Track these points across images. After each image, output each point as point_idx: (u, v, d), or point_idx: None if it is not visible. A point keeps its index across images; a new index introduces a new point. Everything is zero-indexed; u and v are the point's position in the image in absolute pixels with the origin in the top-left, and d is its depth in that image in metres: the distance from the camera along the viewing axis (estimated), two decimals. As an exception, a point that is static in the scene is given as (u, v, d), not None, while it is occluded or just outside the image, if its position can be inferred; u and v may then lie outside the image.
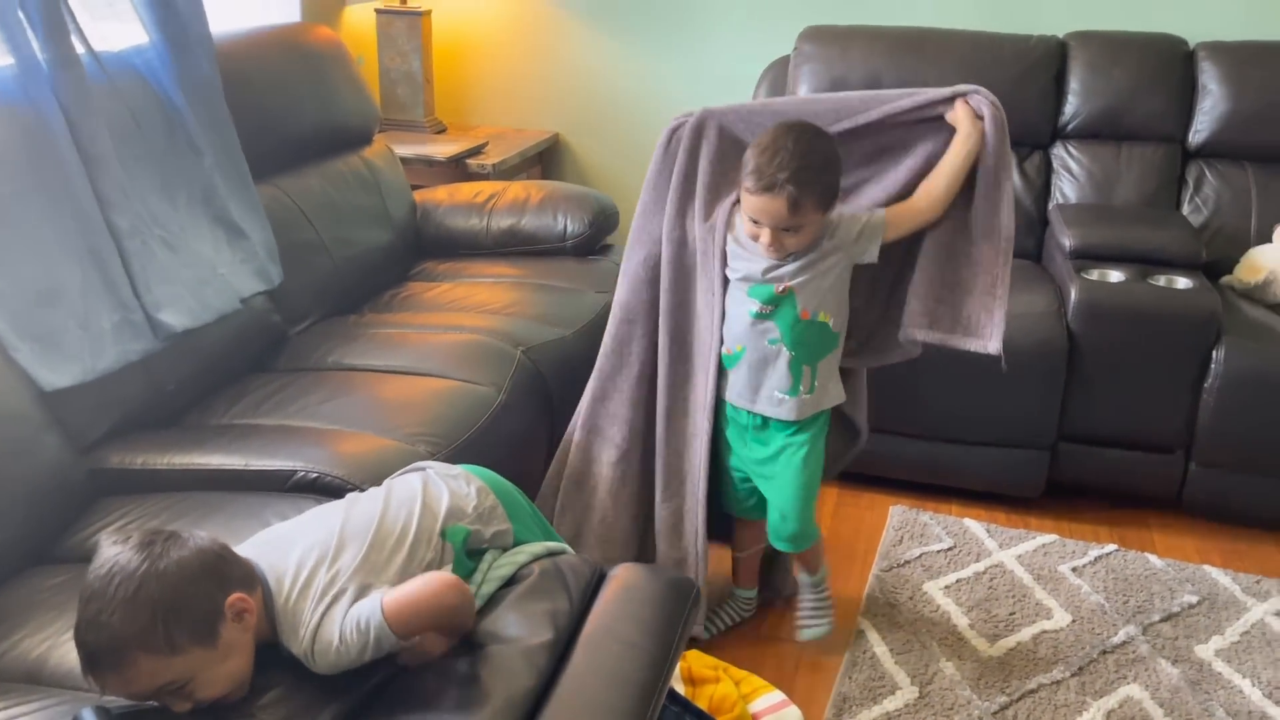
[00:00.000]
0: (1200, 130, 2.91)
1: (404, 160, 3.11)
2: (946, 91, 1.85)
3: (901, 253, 1.94)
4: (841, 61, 3.04)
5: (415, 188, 3.04)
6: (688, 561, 2.00)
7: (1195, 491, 2.54)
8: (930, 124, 1.88)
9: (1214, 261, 2.75)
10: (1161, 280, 2.49)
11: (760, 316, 1.88)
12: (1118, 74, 2.93)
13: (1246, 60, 2.87)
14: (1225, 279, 2.77)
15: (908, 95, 1.89)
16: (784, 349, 1.88)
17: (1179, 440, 2.50)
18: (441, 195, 2.99)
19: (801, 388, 1.90)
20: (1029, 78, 2.97)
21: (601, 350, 2.05)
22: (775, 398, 1.91)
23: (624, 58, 3.61)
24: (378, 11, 3.46)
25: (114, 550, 1.20)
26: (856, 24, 3.13)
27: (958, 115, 1.83)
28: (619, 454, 2.03)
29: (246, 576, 1.28)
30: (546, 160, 3.79)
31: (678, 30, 3.52)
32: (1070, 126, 2.99)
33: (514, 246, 2.86)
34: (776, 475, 1.95)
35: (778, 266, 1.85)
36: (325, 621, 1.27)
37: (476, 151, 3.38)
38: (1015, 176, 2.98)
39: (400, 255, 2.82)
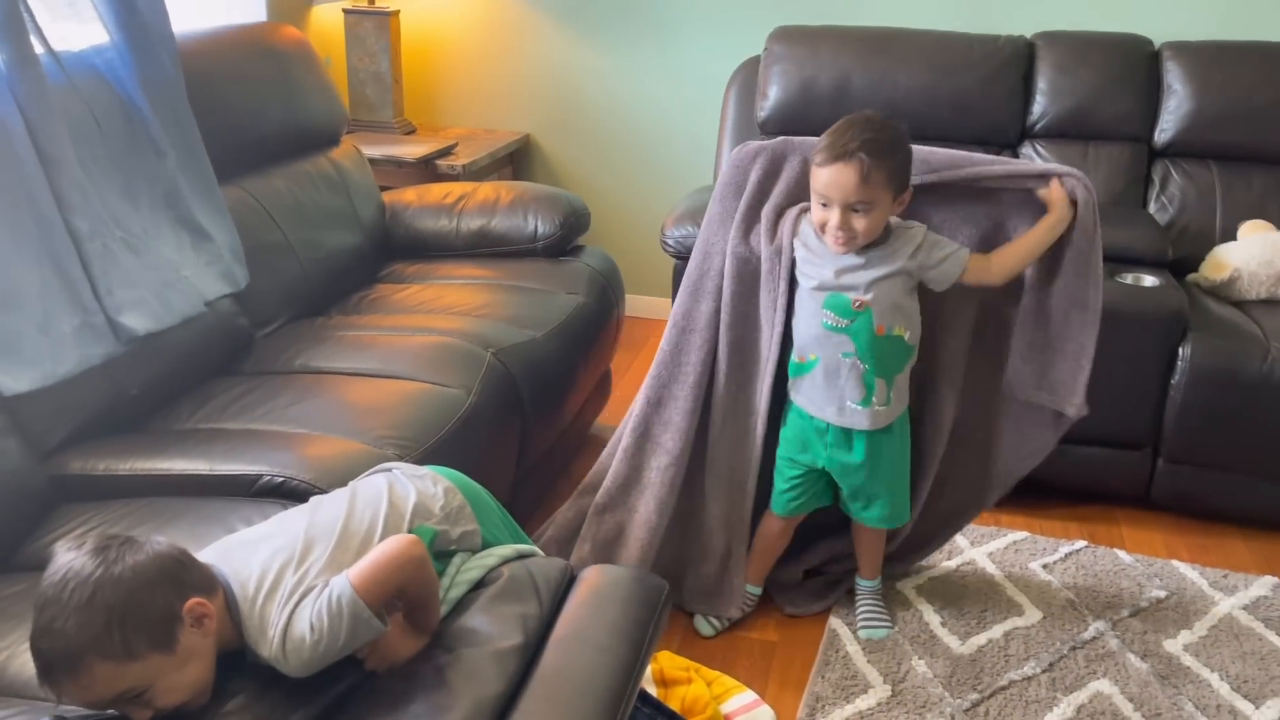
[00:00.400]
0: (1166, 130, 2.93)
1: (373, 161, 3.08)
2: (1040, 167, 1.90)
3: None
4: (811, 61, 3.04)
5: (384, 189, 3.02)
6: (734, 557, 2.10)
7: (1163, 487, 2.57)
8: (1017, 196, 1.92)
9: (1180, 259, 2.78)
10: (1129, 278, 2.51)
11: (835, 329, 1.91)
12: (1084, 74, 2.95)
13: (1211, 60, 2.90)
14: (1191, 276, 2.80)
15: (999, 163, 1.93)
16: (858, 362, 1.92)
17: (1147, 437, 2.52)
18: (410, 196, 2.97)
19: (875, 400, 1.95)
20: (997, 78, 2.98)
21: (658, 358, 2.08)
22: (848, 408, 1.96)
23: (595, 58, 3.60)
24: (345, 11, 3.43)
25: (69, 556, 1.17)
26: (826, 24, 3.13)
27: (1052, 196, 1.87)
28: (671, 459, 2.06)
29: (206, 581, 1.26)
30: (517, 161, 3.77)
31: (649, 31, 3.52)
32: (1039, 126, 3.01)
33: (484, 248, 2.85)
34: (867, 471, 2.01)
35: (851, 270, 1.87)
36: (295, 618, 1.25)
37: (446, 152, 3.36)
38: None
39: (369, 257, 2.80)
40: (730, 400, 2.06)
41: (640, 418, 2.09)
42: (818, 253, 1.91)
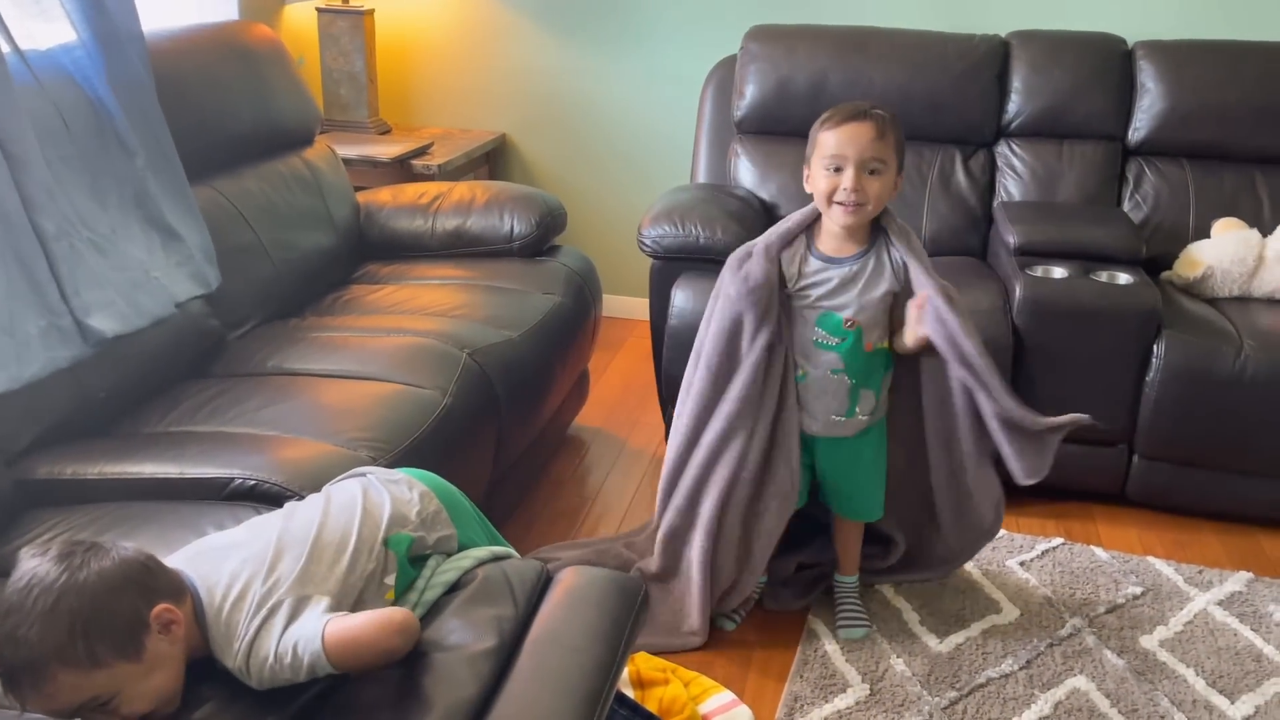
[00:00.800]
0: (1139, 128, 2.95)
1: (347, 161, 3.06)
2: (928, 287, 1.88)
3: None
4: (787, 61, 3.04)
5: (359, 189, 3.00)
6: (752, 558, 2.08)
7: (1138, 484, 2.58)
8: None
9: (1154, 257, 2.79)
10: (1103, 276, 2.52)
11: (825, 347, 1.93)
12: (1059, 73, 2.97)
13: (1183, 59, 2.91)
14: (1165, 274, 2.81)
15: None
16: (845, 378, 1.94)
17: (1122, 434, 2.53)
18: (385, 196, 2.95)
19: (858, 410, 1.98)
20: (972, 76, 2.99)
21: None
22: (833, 421, 1.98)
23: (571, 57, 3.59)
24: (319, 10, 3.40)
25: (33, 562, 1.15)
26: (802, 23, 3.13)
27: (914, 307, 1.89)
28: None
29: (174, 587, 1.23)
30: (494, 161, 3.75)
31: (625, 30, 3.51)
32: (1014, 125, 3.02)
33: (459, 248, 2.83)
34: (846, 468, 2.06)
35: (845, 285, 1.90)
36: (262, 635, 1.23)
37: (422, 152, 3.34)
38: (960, 174, 3.01)
39: (343, 258, 2.77)
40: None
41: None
42: (812, 272, 1.93)
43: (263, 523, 1.40)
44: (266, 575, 1.28)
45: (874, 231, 1.94)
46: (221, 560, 1.29)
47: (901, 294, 1.93)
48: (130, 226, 2.08)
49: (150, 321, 2.02)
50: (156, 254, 2.11)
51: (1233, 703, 1.98)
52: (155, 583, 1.21)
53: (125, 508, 1.65)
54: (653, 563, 2.12)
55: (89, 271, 1.91)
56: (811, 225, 1.95)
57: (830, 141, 1.82)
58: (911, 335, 1.90)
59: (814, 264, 1.93)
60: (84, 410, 1.92)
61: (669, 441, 2.09)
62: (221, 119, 2.50)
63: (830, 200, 1.85)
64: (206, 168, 2.41)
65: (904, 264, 1.91)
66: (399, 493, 1.48)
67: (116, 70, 2.09)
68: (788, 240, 1.94)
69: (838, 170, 1.82)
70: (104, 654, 1.14)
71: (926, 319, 1.86)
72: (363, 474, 1.53)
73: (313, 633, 1.23)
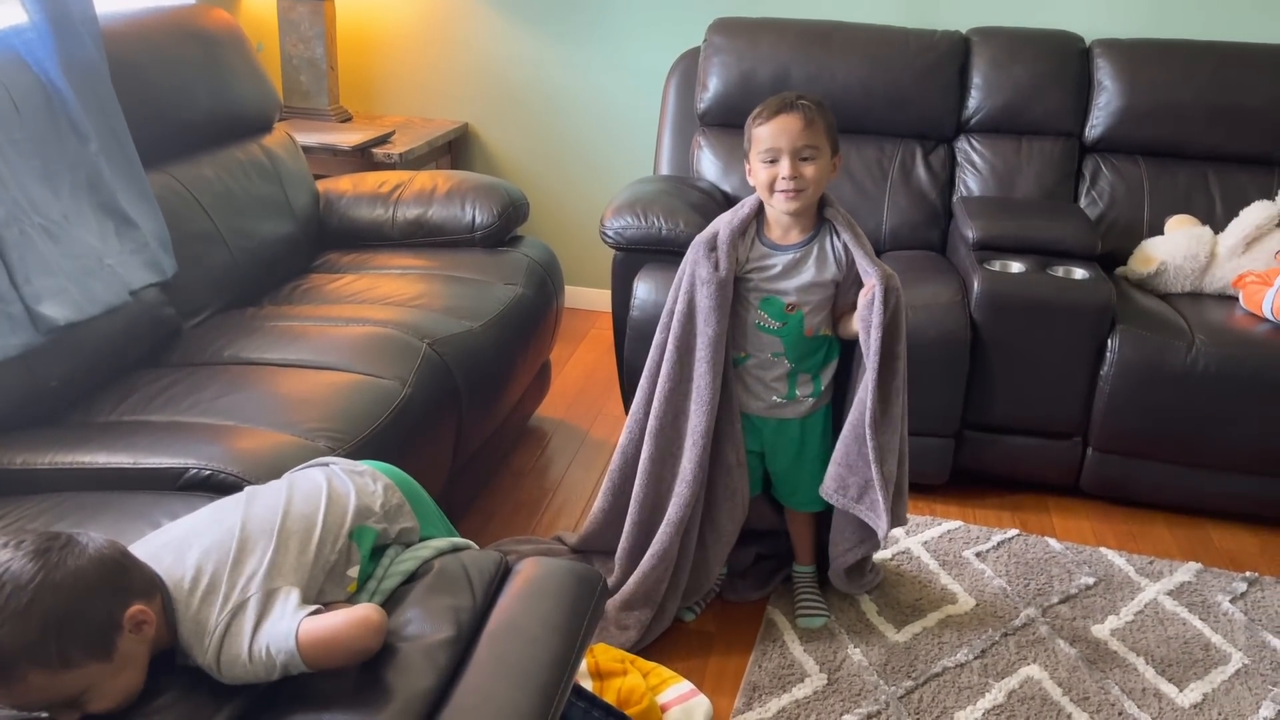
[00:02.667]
0: (1096, 125, 2.99)
1: (307, 149, 3.03)
2: (870, 267, 1.90)
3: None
4: (751, 54, 3.05)
5: (319, 177, 2.97)
6: (713, 550, 2.11)
7: (1092, 476, 2.62)
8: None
9: (1109, 253, 2.84)
10: (1060, 271, 2.55)
11: (766, 330, 1.98)
12: (1018, 70, 3.00)
13: (1140, 58, 2.96)
14: (1120, 269, 2.86)
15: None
16: (785, 362, 1.99)
17: (1077, 427, 2.57)
18: (345, 185, 2.92)
19: (799, 392, 2.02)
20: (934, 72, 3.02)
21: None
22: (774, 403, 2.03)
23: (535, 47, 3.57)
24: (278, -5, 3.36)
25: (4, 556, 1.12)
26: (766, 16, 3.14)
27: (864, 291, 1.91)
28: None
29: (147, 584, 1.21)
30: (456, 150, 3.73)
31: (589, 20, 3.50)
32: (974, 120, 3.05)
33: (420, 238, 2.81)
34: (792, 456, 2.08)
35: (788, 272, 1.94)
36: (233, 631, 1.22)
37: (383, 140, 3.31)
38: (921, 169, 3.03)
39: (302, 246, 2.74)
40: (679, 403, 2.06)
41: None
42: (758, 257, 1.97)
43: (223, 509, 1.37)
44: (234, 567, 1.26)
45: (818, 221, 1.98)
46: (185, 551, 1.27)
47: (844, 282, 1.97)
48: (83, 212, 2.04)
49: (103, 309, 1.99)
50: (110, 241, 2.07)
51: (1181, 690, 2.02)
52: (129, 581, 1.19)
53: (77, 498, 1.62)
54: (612, 579, 2.11)
55: (40, 258, 1.87)
56: (760, 212, 1.99)
57: (764, 135, 1.88)
58: (854, 319, 1.95)
59: (760, 249, 1.97)
60: (35, 399, 1.88)
61: (626, 428, 2.10)
62: (177, 104, 2.46)
63: (772, 189, 1.90)
64: (162, 154, 2.37)
65: (846, 253, 1.95)
66: (363, 484, 1.46)
67: (69, 53, 2.05)
68: (743, 229, 1.97)
69: (774, 161, 1.88)
70: (76, 655, 1.12)
71: (862, 304, 1.90)
72: (325, 464, 1.51)
73: (286, 632, 1.21)
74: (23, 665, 1.10)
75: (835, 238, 1.96)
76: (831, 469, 2.00)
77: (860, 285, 1.95)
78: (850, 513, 2.02)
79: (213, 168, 2.54)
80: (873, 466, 1.91)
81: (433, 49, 3.64)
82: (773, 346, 1.99)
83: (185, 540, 1.30)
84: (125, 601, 1.17)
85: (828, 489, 2.01)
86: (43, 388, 1.90)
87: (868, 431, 1.90)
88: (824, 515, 2.19)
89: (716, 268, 1.93)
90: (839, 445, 1.99)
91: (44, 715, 1.17)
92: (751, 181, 1.95)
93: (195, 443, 1.73)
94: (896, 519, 1.99)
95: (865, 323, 1.89)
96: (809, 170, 1.87)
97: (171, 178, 2.39)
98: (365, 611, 1.26)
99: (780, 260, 1.96)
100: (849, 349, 2.06)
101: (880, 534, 1.96)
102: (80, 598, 1.13)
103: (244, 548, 1.28)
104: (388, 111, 3.73)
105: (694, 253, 1.99)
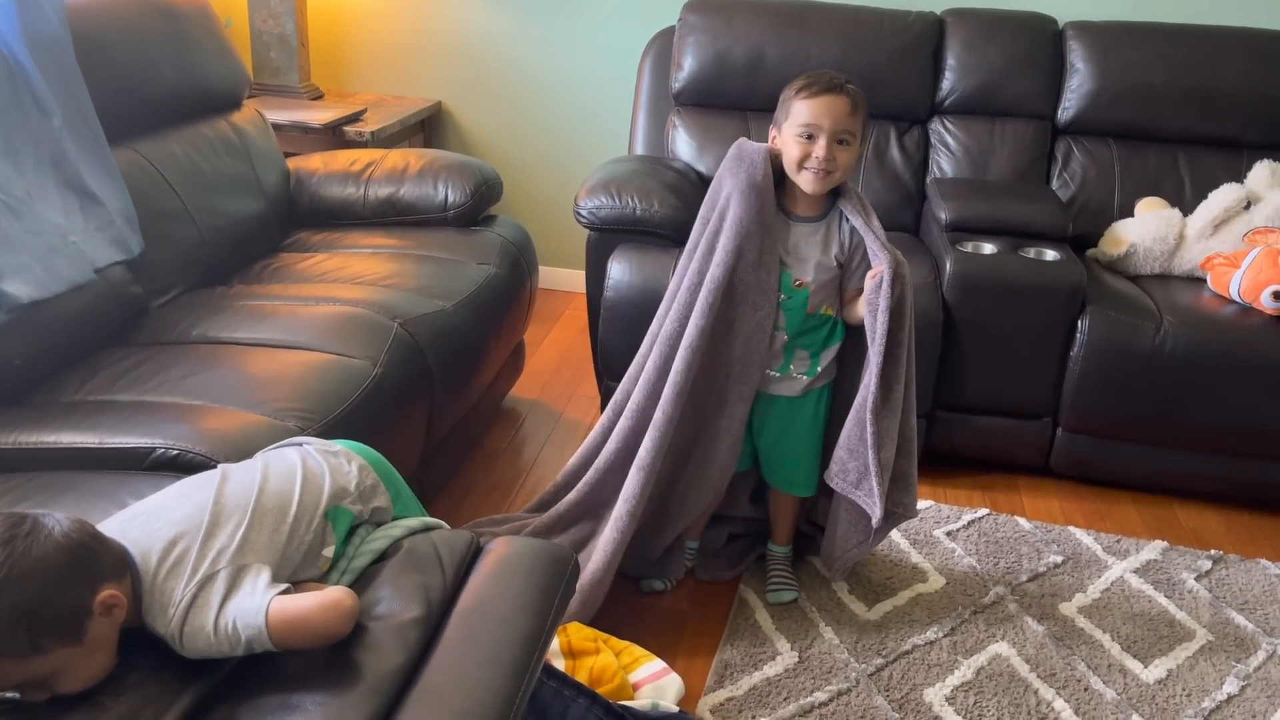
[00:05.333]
0: (1068, 108, 3.00)
1: (277, 127, 2.99)
2: (879, 251, 1.90)
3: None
4: (726, 33, 3.04)
5: (289, 155, 2.93)
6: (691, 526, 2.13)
7: (1061, 456, 2.64)
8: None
9: (1080, 234, 2.86)
10: (1031, 252, 2.56)
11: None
12: (991, 52, 3.00)
13: (1112, 40, 2.97)
14: (1090, 251, 2.88)
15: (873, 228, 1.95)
16: (783, 334, 1.98)
17: (1047, 407, 2.59)
18: (316, 163, 2.89)
19: (793, 368, 2.01)
20: (908, 53, 3.02)
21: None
22: (768, 376, 2.01)
23: (509, 25, 3.54)
24: (247, -30, 3.31)
25: None
26: (740, -4, 3.13)
27: (872, 276, 1.91)
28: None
29: (116, 564, 1.20)
30: (429, 129, 3.70)
31: (562, -2, 3.47)
32: (947, 102, 3.05)
33: (392, 216, 2.78)
34: (779, 435, 2.07)
35: (800, 244, 1.93)
36: (199, 604, 1.20)
37: (354, 118, 3.28)
38: (895, 150, 3.04)
39: (272, 225, 2.71)
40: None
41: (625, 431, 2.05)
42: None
43: (195, 485, 1.35)
44: (204, 542, 1.25)
45: (829, 200, 1.97)
46: (155, 526, 1.26)
47: (848, 265, 1.97)
48: (47, 189, 2.01)
49: (68, 287, 1.96)
50: (75, 218, 2.04)
51: (1146, 666, 2.05)
52: (98, 565, 1.17)
53: (41, 478, 1.60)
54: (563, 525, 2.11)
55: (3, 235, 1.84)
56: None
57: (805, 111, 1.85)
58: (861, 303, 1.94)
59: (778, 215, 1.95)
60: (-2, 378, 1.86)
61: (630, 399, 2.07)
62: (144, 80, 2.42)
63: (800, 166, 1.88)
64: (128, 130, 2.33)
65: (852, 236, 1.95)
66: (338, 464, 1.45)
67: (32, 26, 2.01)
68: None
69: (810, 138, 1.86)
70: (46, 642, 1.11)
71: (869, 288, 1.90)
72: (299, 443, 1.50)
73: (256, 609, 1.20)
74: None
75: (844, 220, 1.96)
76: (835, 454, 2.00)
77: (863, 270, 1.95)
78: (855, 510, 2.02)
79: (180, 145, 2.50)
80: (869, 452, 1.91)
81: (405, 26, 3.60)
82: (774, 320, 1.97)
83: (155, 514, 1.28)
84: (95, 586, 1.16)
85: (830, 473, 2.01)
86: (6, 366, 1.87)
87: (868, 417, 1.89)
88: (805, 500, 2.19)
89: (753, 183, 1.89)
90: (843, 430, 1.98)
91: (14, 695, 1.16)
92: (774, 149, 1.93)
93: (162, 422, 1.71)
94: (904, 510, 1.99)
95: (871, 306, 1.88)
96: (843, 156, 1.86)
97: (138, 154, 2.36)
98: (338, 595, 1.25)
99: (793, 230, 1.95)
100: (855, 336, 2.05)
101: (874, 520, 1.95)
102: (49, 587, 1.12)
103: (216, 522, 1.27)
104: (359, 89, 3.69)
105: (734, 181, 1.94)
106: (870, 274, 1.91)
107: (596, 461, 2.09)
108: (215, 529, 1.26)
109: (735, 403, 2.00)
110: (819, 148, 1.84)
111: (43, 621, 1.10)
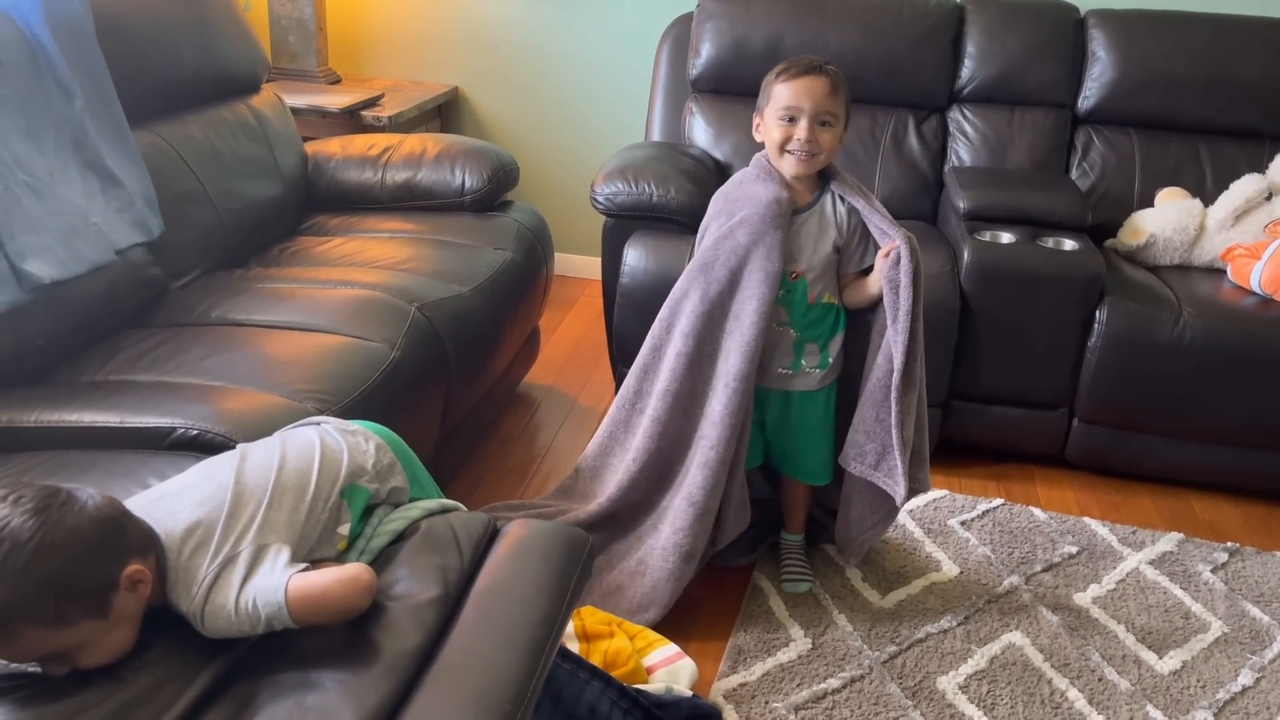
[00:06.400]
0: (1089, 97, 2.98)
1: (295, 111, 3.00)
2: (889, 228, 1.91)
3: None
4: (744, 20, 3.02)
5: (307, 139, 2.94)
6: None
7: (1077, 447, 2.64)
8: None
9: (1099, 224, 2.84)
10: (1049, 242, 2.55)
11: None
12: (1012, 40, 2.98)
13: (1134, 29, 2.94)
14: (1109, 241, 2.86)
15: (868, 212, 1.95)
16: (790, 330, 1.97)
17: (1063, 397, 2.58)
18: (334, 147, 2.90)
19: (805, 363, 2.00)
20: (927, 41, 3.00)
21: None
22: (779, 373, 2.01)
23: (526, 10, 3.54)
24: (267, -46, 3.31)
25: (3, 511, 1.12)
26: (759, -18, 3.11)
27: (877, 261, 1.92)
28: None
29: (144, 542, 1.21)
30: (446, 114, 3.70)
31: (580, -16, 3.46)
32: (966, 90, 3.03)
33: (409, 201, 2.79)
34: (793, 427, 2.07)
35: (792, 255, 1.93)
36: (221, 583, 1.22)
37: (372, 103, 3.28)
38: (913, 138, 3.02)
39: (290, 208, 2.72)
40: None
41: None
42: None
43: (216, 465, 1.37)
44: (227, 522, 1.26)
45: (819, 185, 1.97)
46: (178, 506, 1.27)
47: (845, 247, 1.97)
48: (68, 170, 2.02)
49: (89, 268, 1.97)
50: (96, 199, 2.05)
51: (1160, 657, 2.04)
52: (127, 540, 1.19)
53: (63, 456, 1.61)
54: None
55: (25, 215, 1.85)
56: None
57: (785, 93, 1.85)
58: (875, 282, 1.93)
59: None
60: (20, 357, 1.87)
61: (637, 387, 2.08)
62: (164, 62, 2.43)
63: (783, 149, 1.88)
64: (148, 112, 2.35)
65: (850, 218, 1.95)
66: (355, 443, 1.46)
67: (55, 8, 2.02)
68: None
69: (791, 120, 1.85)
70: (72, 614, 1.12)
71: (886, 264, 1.89)
72: (317, 423, 1.51)
73: (275, 586, 1.22)
74: (19, 622, 1.10)
75: (839, 203, 1.96)
76: (850, 437, 1.99)
77: (863, 250, 1.95)
78: (869, 492, 2.02)
79: (200, 127, 2.51)
80: (893, 430, 1.90)
81: (423, 11, 3.60)
82: (777, 315, 1.97)
83: (178, 495, 1.30)
84: (123, 561, 1.17)
85: (846, 457, 2.01)
86: (28, 346, 1.88)
87: (893, 394, 1.88)
88: (819, 489, 2.19)
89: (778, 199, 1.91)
90: (857, 412, 1.98)
91: (34, 669, 1.17)
92: (759, 137, 1.93)
93: (182, 402, 1.72)
94: (919, 485, 1.98)
95: (892, 282, 1.87)
96: (825, 137, 1.86)
97: (158, 137, 2.37)
98: (355, 570, 1.27)
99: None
100: (855, 322, 2.05)
101: (898, 499, 1.95)
102: (79, 558, 1.13)
103: (237, 503, 1.28)
104: (377, 74, 3.69)
105: (717, 204, 1.99)
106: (883, 252, 1.90)
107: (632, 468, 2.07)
108: (237, 509, 1.28)
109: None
110: (800, 129, 1.85)
111: (70, 592, 1.12)
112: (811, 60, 1.86)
